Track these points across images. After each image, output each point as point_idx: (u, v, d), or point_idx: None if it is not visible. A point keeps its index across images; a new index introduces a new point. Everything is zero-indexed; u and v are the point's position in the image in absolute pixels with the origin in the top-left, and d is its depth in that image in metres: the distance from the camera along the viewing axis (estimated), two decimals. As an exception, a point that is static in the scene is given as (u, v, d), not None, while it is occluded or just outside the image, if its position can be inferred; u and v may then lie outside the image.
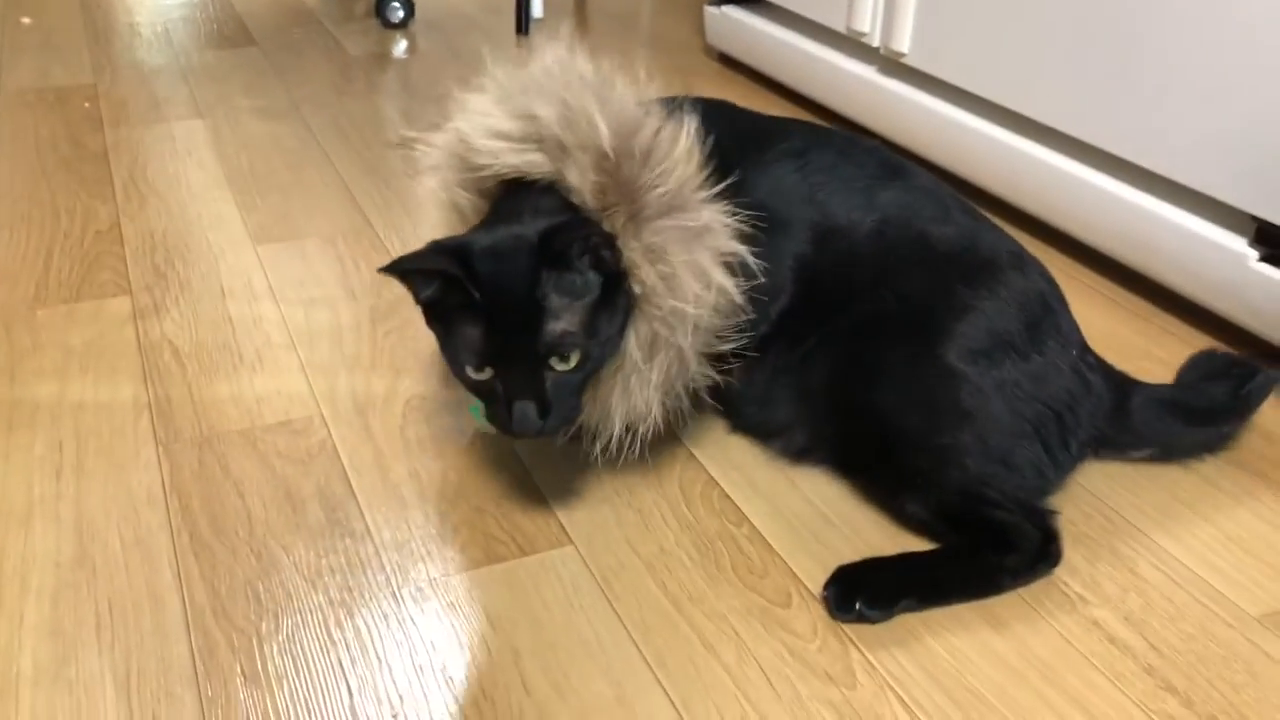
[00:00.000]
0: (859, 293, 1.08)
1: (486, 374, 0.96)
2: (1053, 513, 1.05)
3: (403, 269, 0.95)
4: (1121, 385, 1.15)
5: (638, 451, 1.06)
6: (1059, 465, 1.09)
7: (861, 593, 0.98)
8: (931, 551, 1.05)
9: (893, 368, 1.06)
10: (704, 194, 1.00)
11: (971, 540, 1.03)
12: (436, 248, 0.97)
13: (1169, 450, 1.18)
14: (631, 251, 0.97)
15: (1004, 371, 1.05)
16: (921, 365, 1.05)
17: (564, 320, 0.94)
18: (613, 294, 0.97)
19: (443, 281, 0.95)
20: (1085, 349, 1.13)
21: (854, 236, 1.08)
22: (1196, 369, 1.26)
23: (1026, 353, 1.06)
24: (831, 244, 1.08)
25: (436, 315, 0.99)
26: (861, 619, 0.98)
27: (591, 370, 0.98)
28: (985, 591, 1.01)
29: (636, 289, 0.98)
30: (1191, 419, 1.16)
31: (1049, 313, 1.10)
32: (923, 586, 1.00)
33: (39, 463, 1.16)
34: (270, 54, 2.50)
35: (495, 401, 0.97)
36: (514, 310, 0.93)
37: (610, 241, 0.95)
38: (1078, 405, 1.08)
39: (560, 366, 0.95)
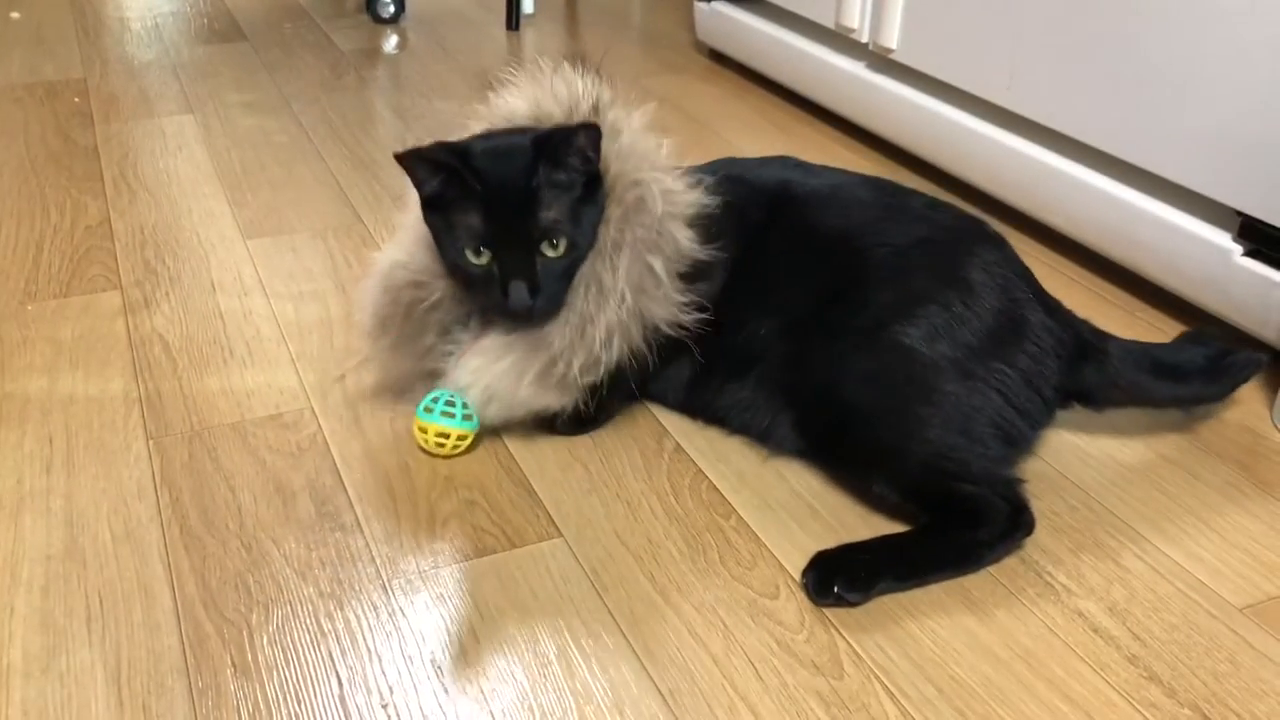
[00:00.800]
0: (803, 268, 1.14)
1: (484, 258, 1.08)
2: (1019, 481, 1.06)
3: (412, 157, 1.07)
4: (1097, 335, 1.17)
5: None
6: (1034, 419, 1.10)
7: (839, 576, 0.99)
8: (905, 532, 1.06)
9: (844, 346, 1.08)
10: (670, 164, 1.18)
11: (941, 517, 1.05)
12: (442, 145, 1.10)
13: (1140, 400, 1.20)
14: (610, 155, 1.12)
15: (957, 334, 1.06)
16: (871, 340, 1.07)
17: (554, 210, 1.08)
18: (593, 193, 1.11)
19: (445, 176, 1.08)
20: (1042, 292, 1.14)
21: (792, 198, 1.19)
22: (1185, 337, 1.28)
23: (979, 310, 1.08)
24: (767, 203, 1.19)
25: (437, 208, 1.10)
26: (840, 602, 0.98)
27: (575, 260, 1.10)
28: (963, 567, 1.02)
29: (608, 179, 1.12)
30: (1163, 373, 1.18)
31: (997, 264, 1.12)
32: (899, 566, 1.01)
33: (29, 457, 1.17)
34: (261, 49, 2.50)
35: (491, 286, 1.09)
36: (511, 199, 1.07)
37: (596, 143, 1.08)
38: (1043, 355, 1.09)
39: (550, 253, 1.08)
